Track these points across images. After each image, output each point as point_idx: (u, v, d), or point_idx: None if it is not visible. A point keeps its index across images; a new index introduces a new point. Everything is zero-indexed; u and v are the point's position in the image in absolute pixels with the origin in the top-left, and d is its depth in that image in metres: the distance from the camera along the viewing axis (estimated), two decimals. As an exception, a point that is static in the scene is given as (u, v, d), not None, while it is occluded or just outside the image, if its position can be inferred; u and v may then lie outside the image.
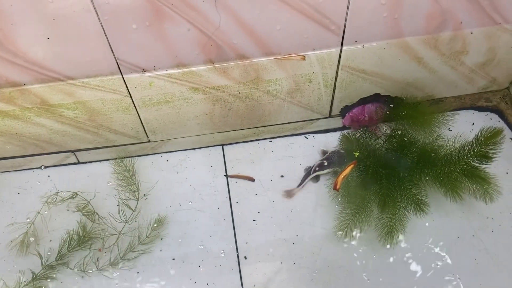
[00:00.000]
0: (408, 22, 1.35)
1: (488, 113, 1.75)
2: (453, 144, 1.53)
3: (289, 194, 1.64)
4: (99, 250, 1.55)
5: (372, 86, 1.57)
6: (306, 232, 1.57)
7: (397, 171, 1.52)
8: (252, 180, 1.67)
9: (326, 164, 1.63)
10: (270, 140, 1.75)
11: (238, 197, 1.64)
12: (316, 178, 1.65)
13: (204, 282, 1.51)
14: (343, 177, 1.49)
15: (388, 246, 1.51)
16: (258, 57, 1.39)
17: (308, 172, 1.64)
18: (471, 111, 1.75)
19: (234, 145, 1.74)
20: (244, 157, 1.71)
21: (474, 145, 1.47)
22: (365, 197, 1.48)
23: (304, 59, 1.41)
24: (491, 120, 1.74)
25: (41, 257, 1.53)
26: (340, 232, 1.51)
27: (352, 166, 1.50)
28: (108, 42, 1.27)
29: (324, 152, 1.68)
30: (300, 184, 1.64)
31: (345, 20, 1.32)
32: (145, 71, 1.39)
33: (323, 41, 1.37)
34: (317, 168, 1.63)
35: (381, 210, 1.47)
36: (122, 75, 1.38)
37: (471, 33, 1.42)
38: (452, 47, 1.46)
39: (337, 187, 1.50)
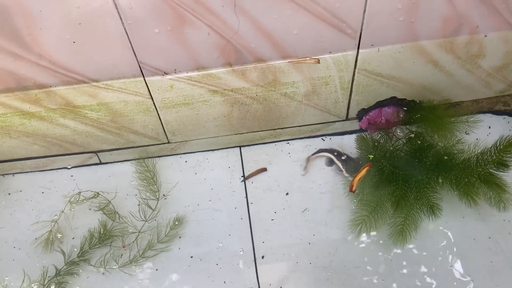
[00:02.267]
0: (424, 26, 1.37)
1: (506, 116, 1.75)
2: (471, 149, 1.54)
3: (307, 159, 1.71)
4: (123, 247, 1.59)
5: (388, 89, 1.58)
6: (322, 232, 1.59)
7: (414, 173, 1.53)
8: (265, 169, 1.71)
9: (343, 158, 1.65)
10: (287, 142, 1.77)
11: (255, 197, 1.67)
12: (330, 162, 1.67)
13: (221, 280, 1.54)
14: (359, 179, 1.50)
15: (399, 247, 1.53)
16: (275, 60, 1.42)
17: (328, 150, 1.68)
18: (488, 115, 1.75)
19: (252, 146, 1.77)
20: (261, 159, 1.74)
21: (493, 152, 1.47)
22: (381, 197, 1.50)
23: (319, 62, 1.43)
24: (508, 124, 1.73)
25: (64, 253, 1.58)
26: (355, 230, 1.53)
27: (367, 168, 1.52)
28: (131, 45, 1.32)
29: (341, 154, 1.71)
30: (315, 153, 1.70)
31: (362, 24, 1.34)
32: (166, 74, 1.43)
33: (340, 44, 1.40)
34: (335, 153, 1.65)
35: (394, 210, 1.49)
36: (144, 77, 1.43)
37: (486, 36, 1.43)
38: (469, 50, 1.47)
39: (353, 189, 1.51)
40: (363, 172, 1.51)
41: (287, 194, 1.67)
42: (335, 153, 1.67)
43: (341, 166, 1.66)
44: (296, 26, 1.32)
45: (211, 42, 1.34)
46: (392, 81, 1.54)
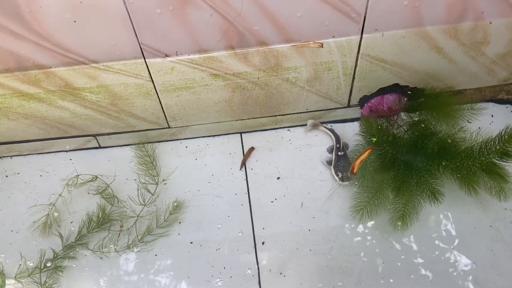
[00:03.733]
0: (428, 11, 1.35)
1: (509, 105, 1.74)
2: (473, 137, 1.53)
3: (314, 125, 1.72)
4: (121, 227, 1.58)
5: (391, 76, 1.57)
6: (322, 219, 1.58)
7: (415, 159, 1.52)
8: (252, 148, 1.71)
9: (339, 154, 1.63)
10: (288, 129, 1.76)
11: (256, 184, 1.66)
12: (332, 150, 1.66)
13: (221, 265, 1.53)
14: (361, 161, 1.49)
15: (400, 233, 1.52)
16: (278, 43, 1.40)
17: (336, 136, 1.67)
18: (491, 104, 1.74)
19: (253, 133, 1.76)
20: (262, 145, 1.73)
21: (497, 142, 1.47)
22: (381, 183, 1.49)
23: (322, 46, 1.42)
24: (511, 113, 1.72)
25: (61, 237, 1.57)
26: (356, 215, 1.52)
27: (369, 151, 1.50)
28: (133, 26, 1.30)
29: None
30: (325, 126, 1.71)
31: (366, 8, 1.33)
32: (167, 56, 1.41)
33: (343, 28, 1.38)
34: (338, 145, 1.65)
35: (395, 195, 1.48)
36: (145, 59, 1.41)
37: (491, 23, 1.41)
38: (473, 37, 1.45)
39: (355, 171, 1.50)
40: (365, 154, 1.50)
41: (287, 181, 1.66)
42: (338, 145, 1.66)
43: (333, 160, 1.65)
44: (300, 9, 1.31)
45: (213, 24, 1.32)
46: (395, 67, 1.53)
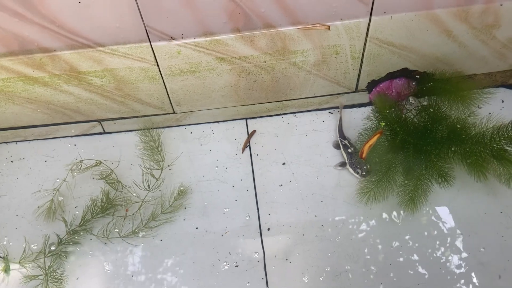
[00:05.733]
0: (439, -7, 1.33)
1: (520, 91, 1.72)
2: (483, 123, 1.51)
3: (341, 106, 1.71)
4: (126, 210, 1.57)
5: (400, 60, 1.54)
6: (329, 205, 1.56)
7: (425, 142, 1.50)
8: (254, 132, 1.70)
9: (349, 150, 1.60)
10: (294, 114, 1.74)
11: (261, 169, 1.64)
12: (337, 146, 1.64)
13: (226, 251, 1.52)
14: (370, 145, 1.47)
15: (409, 217, 1.51)
16: (285, 26, 1.38)
17: (342, 134, 1.65)
18: (502, 89, 1.71)
19: (258, 119, 1.74)
20: (267, 131, 1.71)
21: (510, 128, 1.44)
22: (389, 167, 1.48)
23: (329, 29, 1.40)
24: (522, 99, 1.70)
25: (65, 222, 1.56)
26: (362, 198, 1.51)
27: (378, 135, 1.48)
28: (138, 7, 1.28)
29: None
30: (340, 119, 1.68)
31: (375, -11, 1.31)
32: (172, 39, 1.39)
33: (352, 10, 1.36)
34: (343, 143, 1.61)
35: (406, 176, 1.47)
36: (150, 42, 1.39)
37: (502, 5, 1.38)
38: (484, 20, 1.42)
39: (364, 155, 1.49)
40: (374, 139, 1.48)
41: (293, 166, 1.64)
42: (343, 143, 1.63)
43: (346, 159, 1.61)
44: (308, -11, 1.29)
45: (219, 5, 1.30)
46: (404, 51, 1.51)
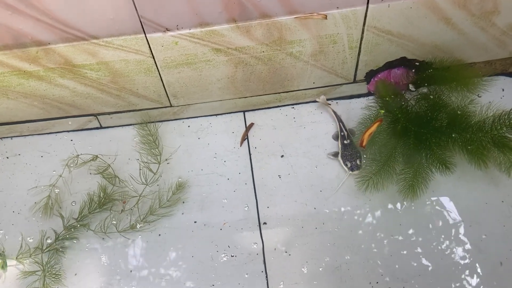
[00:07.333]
0: (437, -21, 1.32)
1: (520, 79, 1.70)
2: (484, 112, 1.49)
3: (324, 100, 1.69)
4: (123, 203, 1.56)
5: (398, 49, 1.53)
6: (328, 197, 1.55)
7: (426, 130, 1.49)
8: (252, 124, 1.68)
9: (345, 142, 1.59)
10: (292, 106, 1.72)
11: (260, 162, 1.63)
12: (337, 137, 1.62)
13: (225, 245, 1.50)
14: (369, 134, 1.46)
15: (409, 204, 1.50)
16: (281, 15, 1.36)
17: (341, 124, 1.63)
18: (502, 77, 1.69)
19: (256, 111, 1.72)
20: (265, 124, 1.70)
21: (511, 115, 1.43)
22: (389, 154, 1.47)
23: (326, 18, 1.38)
24: (523, 87, 1.68)
25: (62, 217, 1.55)
26: (362, 187, 1.50)
27: (378, 123, 1.47)
28: (131, -3, 1.27)
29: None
30: (334, 112, 1.65)
31: (372, -24, 1.29)
32: (168, 30, 1.37)
33: (349, -2, 1.34)
34: (342, 133, 1.60)
35: (406, 163, 1.46)
36: (145, 34, 1.38)
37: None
38: (483, 6, 1.40)
39: (363, 144, 1.47)
40: (374, 127, 1.46)
41: (291, 159, 1.62)
42: (342, 133, 1.61)
43: (339, 149, 1.59)
44: (304, -23, 1.27)
45: (214, -6, 1.29)
46: (402, 39, 1.49)
